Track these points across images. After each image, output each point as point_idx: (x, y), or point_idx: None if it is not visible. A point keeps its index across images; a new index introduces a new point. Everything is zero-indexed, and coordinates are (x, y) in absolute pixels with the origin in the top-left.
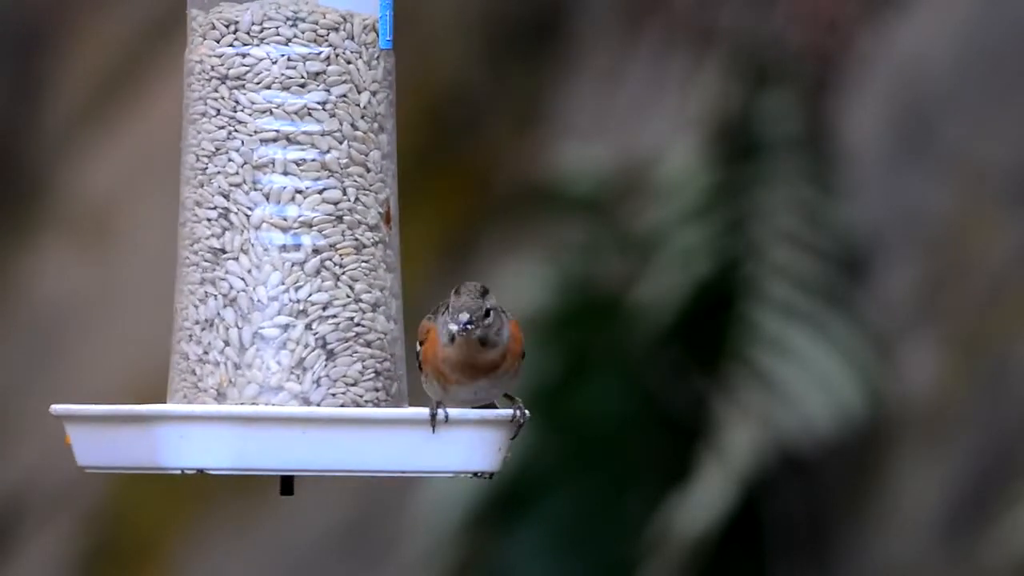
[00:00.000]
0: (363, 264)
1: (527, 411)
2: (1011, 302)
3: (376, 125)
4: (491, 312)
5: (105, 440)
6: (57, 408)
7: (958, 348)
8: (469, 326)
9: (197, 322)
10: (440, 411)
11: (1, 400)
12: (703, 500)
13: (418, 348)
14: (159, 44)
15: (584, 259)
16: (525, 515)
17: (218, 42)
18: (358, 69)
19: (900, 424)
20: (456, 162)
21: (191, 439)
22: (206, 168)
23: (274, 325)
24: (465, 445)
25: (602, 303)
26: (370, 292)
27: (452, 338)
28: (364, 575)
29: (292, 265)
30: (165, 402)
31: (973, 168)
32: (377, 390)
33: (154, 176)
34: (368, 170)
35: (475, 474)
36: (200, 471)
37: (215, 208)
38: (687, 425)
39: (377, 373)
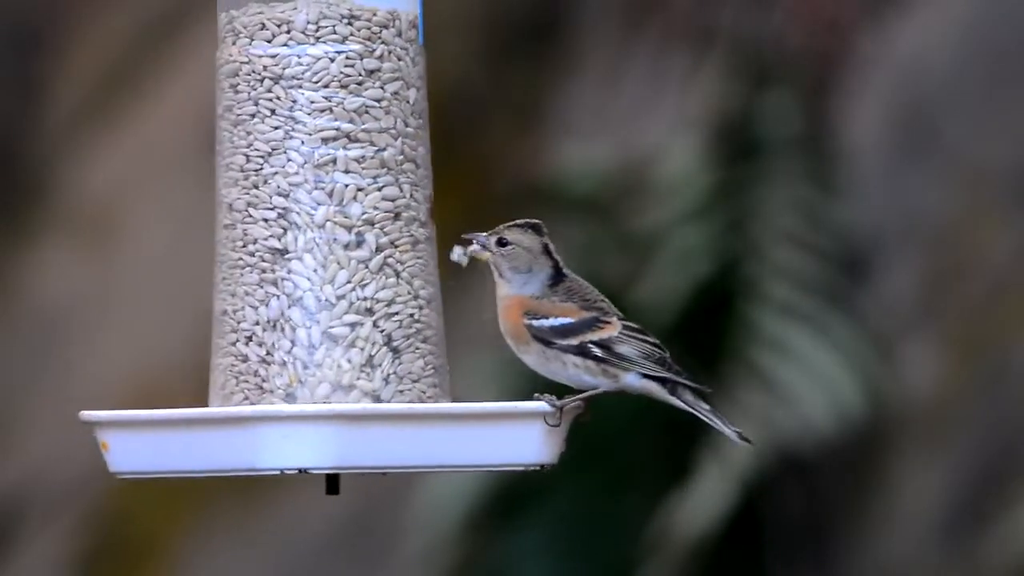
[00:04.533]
0: (418, 260)
1: (556, 405)
2: (1011, 302)
3: (422, 121)
4: (507, 243)
5: (154, 445)
6: (86, 414)
7: (958, 348)
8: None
9: (258, 323)
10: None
11: (2, 400)
12: (703, 500)
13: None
14: (160, 44)
15: (584, 259)
16: (525, 515)
17: (269, 42)
18: (407, 65)
19: (900, 424)
20: (456, 161)
21: (292, 439)
22: (260, 169)
23: (343, 324)
24: (532, 438)
25: None
26: (426, 288)
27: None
28: (364, 575)
29: (358, 263)
30: (172, 402)
31: (973, 168)
32: (435, 386)
33: (155, 176)
34: (418, 166)
35: (542, 467)
36: (302, 471)
37: (273, 208)
38: (687, 425)
39: (435, 369)
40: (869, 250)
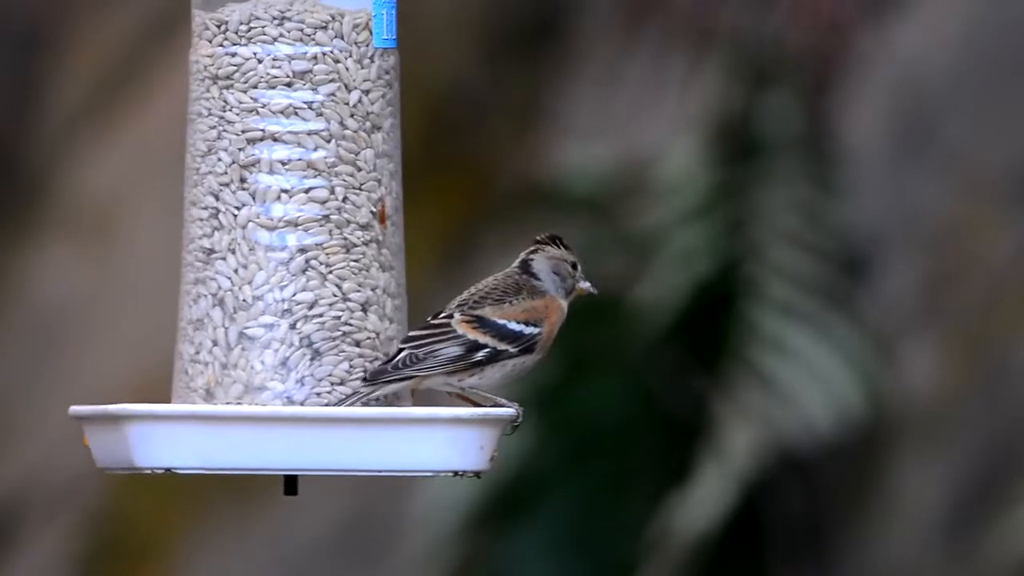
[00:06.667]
0: (352, 263)
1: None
2: (1011, 302)
3: (368, 124)
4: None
5: (113, 440)
6: (75, 409)
7: (958, 348)
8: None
9: (190, 322)
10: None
11: (2, 400)
12: (703, 500)
13: (534, 331)
14: (159, 44)
15: (584, 259)
16: (525, 515)
17: (210, 42)
18: (347, 68)
19: (900, 424)
20: (456, 162)
21: (158, 438)
22: (199, 168)
23: (259, 325)
24: (445, 444)
25: (602, 303)
26: (360, 291)
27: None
28: (364, 575)
29: (277, 264)
30: (167, 401)
31: (973, 168)
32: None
33: (154, 176)
34: (359, 169)
35: (456, 473)
36: (168, 471)
37: (206, 208)
38: (687, 425)
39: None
40: (869, 250)
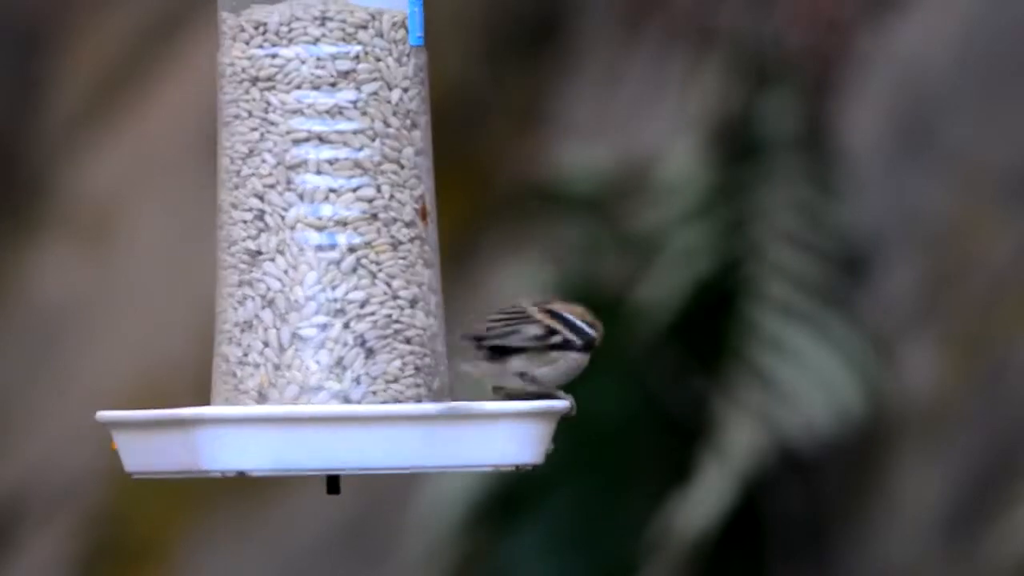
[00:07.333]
0: (400, 261)
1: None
2: (1011, 302)
3: (408, 122)
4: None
5: (150, 445)
6: (103, 415)
7: (958, 348)
8: None
9: (236, 324)
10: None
11: (1, 400)
12: (703, 500)
13: (593, 333)
14: (160, 44)
15: (584, 259)
16: (525, 515)
17: (247, 44)
18: (388, 66)
19: (900, 424)
20: (456, 162)
21: (229, 441)
22: (240, 170)
23: (312, 325)
24: (507, 438)
25: (602, 303)
26: (408, 288)
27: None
28: (364, 575)
29: (328, 264)
30: (172, 402)
31: (973, 168)
32: (418, 386)
33: (154, 176)
34: (402, 167)
35: (516, 467)
36: (241, 473)
37: (250, 210)
38: (687, 425)
39: (417, 369)
40: (869, 250)
